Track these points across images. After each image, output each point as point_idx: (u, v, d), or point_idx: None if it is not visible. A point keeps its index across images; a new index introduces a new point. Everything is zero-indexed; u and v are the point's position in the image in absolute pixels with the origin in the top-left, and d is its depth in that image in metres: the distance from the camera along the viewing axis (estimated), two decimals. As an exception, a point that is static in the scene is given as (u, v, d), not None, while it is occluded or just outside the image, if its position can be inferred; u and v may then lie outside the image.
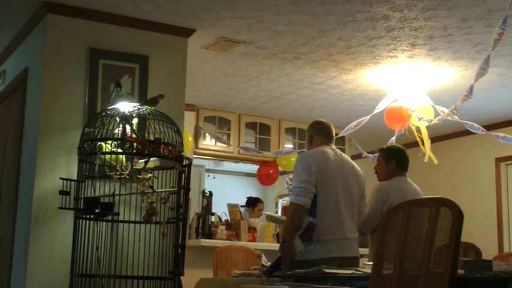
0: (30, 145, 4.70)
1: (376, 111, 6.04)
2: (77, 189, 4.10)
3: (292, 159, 7.20)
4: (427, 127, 5.80)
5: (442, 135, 8.21)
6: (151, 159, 4.14)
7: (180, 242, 4.11)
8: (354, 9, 4.55)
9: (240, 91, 6.78)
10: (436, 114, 5.72)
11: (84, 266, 4.02)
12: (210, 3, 4.53)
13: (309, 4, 4.49)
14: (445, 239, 2.51)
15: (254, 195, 8.51)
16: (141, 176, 4.22)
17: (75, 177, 4.16)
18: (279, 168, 8.02)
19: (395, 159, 4.62)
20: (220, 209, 6.91)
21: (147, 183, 4.23)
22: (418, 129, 5.83)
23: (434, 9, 4.54)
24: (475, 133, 5.79)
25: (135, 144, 4.00)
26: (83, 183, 4.14)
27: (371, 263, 3.08)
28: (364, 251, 5.15)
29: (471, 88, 4.41)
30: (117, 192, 4.11)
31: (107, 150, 4.06)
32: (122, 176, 4.16)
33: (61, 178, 4.15)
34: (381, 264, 2.69)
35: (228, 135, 7.51)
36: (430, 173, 7.47)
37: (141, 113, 4.17)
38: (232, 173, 11.24)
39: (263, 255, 4.65)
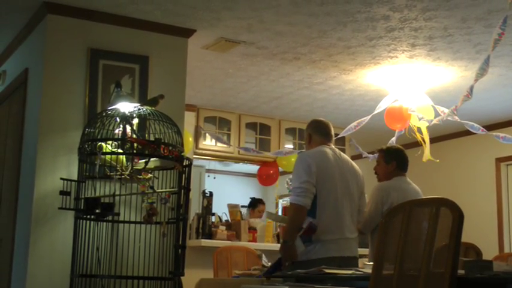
0: (30, 146, 4.70)
1: (376, 111, 6.04)
2: (77, 189, 4.10)
3: (293, 159, 7.20)
4: (427, 127, 5.81)
5: (442, 136, 8.21)
6: (152, 159, 4.14)
7: (180, 242, 4.11)
8: (354, 9, 4.55)
9: (240, 91, 6.78)
10: (436, 114, 5.72)
11: (85, 267, 4.02)
12: (210, 4, 4.53)
13: (309, 4, 4.50)
14: (445, 239, 2.50)
15: (254, 195, 8.51)
16: (141, 177, 4.22)
17: (75, 177, 4.17)
18: (279, 168, 8.03)
19: (395, 159, 4.63)
20: (220, 209, 6.91)
21: (148, 184, 4.24)
22: (419, 130, 5.83)
23: (435, 10, 4.54)
24: (475, 133, 5.79)
25: (135, 144, 4.00)
26: (83, 184, 4.14)
27: (371, 263, 3.08)
28: (364, 251, 5.15)
29: (471, 88, 4.41)
30: (117, 192, 4.12)
31: (107, 150, 4.06)
32: (122, 177, 4.16)
33: (61, 178, 4.15)
34: (381, 264, 2.69)
35: (228, 135, 7.51)
36: (430, 173, 7.48)
37: (142, 113, 4.17)
38: (232, 173, 11.24)
39: (263, 256, 4.65)
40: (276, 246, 5.26)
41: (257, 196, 8.57)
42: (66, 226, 4.35)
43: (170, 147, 4.06)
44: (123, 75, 4.72)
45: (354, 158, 7.91)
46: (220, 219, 6.77)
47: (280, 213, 8.59)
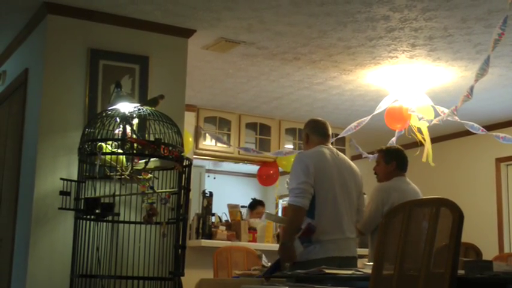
0: (30, 146, 4.70)
1: (377, 111, 6.04)
2: (77, 189, 4.10)
3: (292, 159, 7.19)
4: (427, 127, 5.80)
5: (442, 136, 8.21)
6: (152, 159, 4.14)
7: (180, 243, 4.11)
8: (354, 9, 4.55)
9: (240, 92, 6.78)
10: (436, 114, 5.72)
11: (85, 267, 4.02)
12: (210, 4, 4.53)
13: (309, 5, 4.50)
14: (445, 240, 2.50)
15: (254, 195, 8.51)
16: (141, 177, 4.22)
17: (75, 177, 4.17)
18: (279, 168, 8.02)
19: (395, 159, 4.63)
20: (220, 210, 6.91)
21: (148, 184, 4.23)
22: (420, 130, 5.83)
23: (435, 10, 4.54)
24: (475, 133, 5.79)
25: (135, 144, 4.00)
26: (83, 184, 4.14)
27: (371, 263, 3.08)
28: (364, 251, 5.15)
29: (471, 88, 4.41)
30: (117, 192, 4.12)
31: (107, 150, 4.06)
32: (122, 177, 4.16)
33: (61, 179, 4.15)
34: (381, 264, 2.69)
35: (228, 135, 7.51)
36: (430, 173, 7.47)
37: (142, 113, 4.17)
38: (232, 173, 11.24)
39: (263, 256, 4.65)
40: (276, 247, 5.24)
41: (257, 196, 8.58)
42: (66, 226, 4.34)
43: (170, 148, 4.06)
44: (123, 75, 4.72)
45: (354, 158, 7.93)
46: (220, 220, 6.77)
47: (280, 213, 8.59)
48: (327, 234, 3.90)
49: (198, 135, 7.28)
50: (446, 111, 5.37)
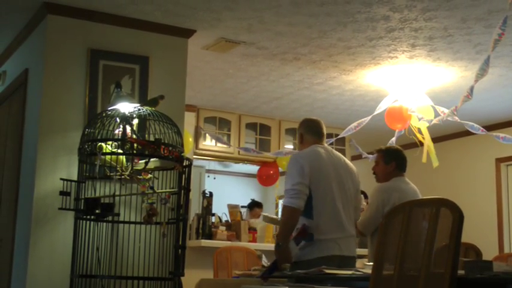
0: (30, 146, 4.70)
1: (377, 111, 6.04)
2: (77, 190, 4.10)
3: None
4: (427, 127, 5.81)
5: (442, 136, 8.21)
6: (152, 159, 4.14)
7: (180, 243, 4.11)
8: (354, 9, 4.55)
9: (240, 92, 6.78)
10: (436, 114, 5.72)
11: (85, 267, 4.02)
12: (210, 4, 4.53)
13: (309, 5, 4.50)
14: (445, 240, 2.50)
15: (254, 195, 8.52)
16: (141, 177, 4.22)
17: (75, 178, 4.17)
18: (279, 168, 8.02)
19: (394, 159, 4.62)
20: (220, 210, 6.91)
21: (148, 184, 4.23)
22: (420, 131, 5.83)
23: (435, 10, 4.54)
24: (475, 133, 5.79)
25: (135, 144, 4.00)
26: (83, 184, 4.14)
27: (371, 263, 3.08)
28: (364, 251, 5.15)
29: (471, 89, 4.41)
30: (117, 192, 4.12)
31: (107, 150, 4.06)
32: (122, 177, 4.16)
33: (61, 179, 4.15)
34: (381, 264, 2.69)
35: (228, 135, 7.51)
36: (430, 173, 7.46)
37: (142, 113, 4.17)
38: (232, 173, 11.24)
39: (263, 256, 4.65)
40: (276, 247, 5.26)
41: (257, 196, 8.58)
42: (66, 226, 4.35)
43: (170, 148, 4.06)
44: (123, 75, 4.72)
45: (353, 158, 7.95)
46: (220, 220, 6.78)
47: (280, 213, 8.59)
48: (326, 233, 3.88)
49: (198, 136, 7.28)
50: (446, 111, 5.37)
